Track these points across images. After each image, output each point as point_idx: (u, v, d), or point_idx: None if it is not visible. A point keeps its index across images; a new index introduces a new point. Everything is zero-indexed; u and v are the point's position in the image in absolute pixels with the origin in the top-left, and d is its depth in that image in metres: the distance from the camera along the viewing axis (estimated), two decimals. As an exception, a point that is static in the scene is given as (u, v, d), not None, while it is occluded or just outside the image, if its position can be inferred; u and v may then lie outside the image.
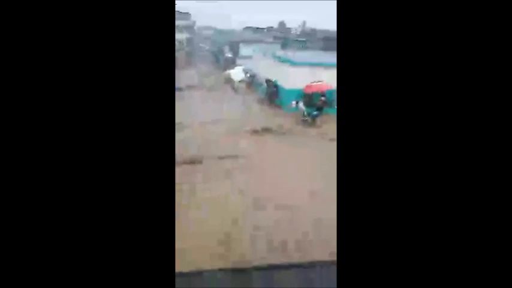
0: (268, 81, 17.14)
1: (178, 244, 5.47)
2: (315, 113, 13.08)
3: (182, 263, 5.05)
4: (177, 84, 20.32)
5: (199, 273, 4.84)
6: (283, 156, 9.67)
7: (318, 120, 13.07)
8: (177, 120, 11.57)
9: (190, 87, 21.03)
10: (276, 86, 16.01)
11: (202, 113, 14.09)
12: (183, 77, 23.63)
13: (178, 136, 10.79)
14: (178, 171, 8.10)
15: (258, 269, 4.97)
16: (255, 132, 11.89)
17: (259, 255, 5.30)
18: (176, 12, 35.10)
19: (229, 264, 5.03)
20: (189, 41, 42.75)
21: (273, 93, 16.24)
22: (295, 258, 5.23)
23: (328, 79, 12.98)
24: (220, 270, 4.91)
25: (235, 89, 20.50)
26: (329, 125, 11.98)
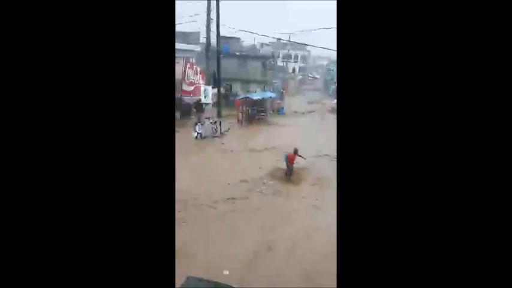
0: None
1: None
2: None
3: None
4: (285, 110, 21.22)
5: None
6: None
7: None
8: (274, 143, 11.57)
9: (298, 112, 21.56)
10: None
11: (296, 138, 13.93)
12: (291, 103, 24.49)
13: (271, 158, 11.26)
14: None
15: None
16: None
17: None
18: (293, 44, 37.13)
19: None
20: (302, 69, 44.38)
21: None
22: None
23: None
24: None
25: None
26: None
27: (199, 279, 3.48)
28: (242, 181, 9.10)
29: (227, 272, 5.07)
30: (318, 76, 46.53)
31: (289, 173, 9.32)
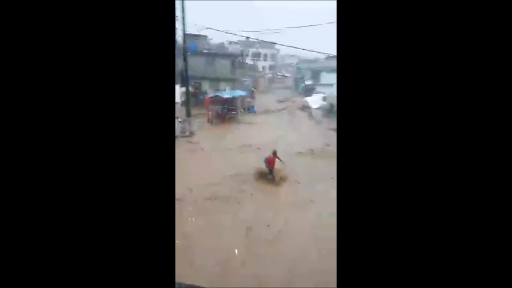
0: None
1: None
2: None
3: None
4: (256, 108, 21.14)
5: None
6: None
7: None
8: (246, 141, 11.54)
9: (268, 111, 21.58)
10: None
11: (268, 136, 13.97)
12: (262, 101, 24.49)
13: (247, 155, 11.20)
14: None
15: None
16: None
17: None
18: (261, 42, 37.38)
19: None
20: (272, 68, 44.68)
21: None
22: None
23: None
24: None
25: (312, 116, 20.11)
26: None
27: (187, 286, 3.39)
28: (221, 179, 8.92)
29: (236, 252, 5.63)
30: (287, 74, 47.04)
31: (271, 177, 9.11)
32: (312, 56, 39.84)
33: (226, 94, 18.49)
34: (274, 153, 9.22)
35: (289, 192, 8.62)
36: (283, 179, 9.29)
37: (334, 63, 31.13)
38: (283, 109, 22.76)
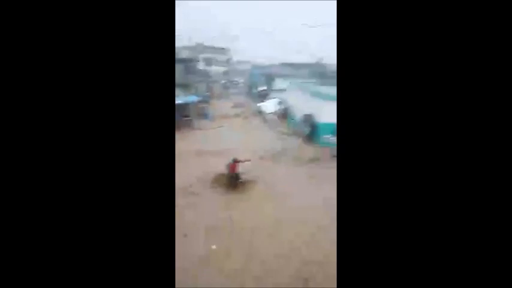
0: (307, 116, 16.15)
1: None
2: None
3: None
4: (212, 114, 20.77)
5: None
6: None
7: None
8: (203, 147, 11.22)
9: (223, 116, 21.35)
10: (314, 124, 14.68)
11: (228, 141, 13.84)
12: (217, 107, 24.18)
13: (202, 161, 10.88)
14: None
15: None
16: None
17: None
18: (214, 48, 37.12)
19: None
20: (226, 74, 44.63)
21: (311, 133, 14.62)
22: None
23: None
24: None
25: (266, 120, 20.34)
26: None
27: None
28: (180, 186, 8.44)
29: (214, 247, 5.68)
30: (241, 80, 47.35)
31: (235, 180, 9.10)
32: (265, 62, 40.68)
33: (178, 100, 17.82)
34: (235, 160, 9.22)
35: (252, 194, 8.61)
36: (245, 182, 9.27)
37: (286, 69, 32.07)
38: (239, 114, 22.70)
